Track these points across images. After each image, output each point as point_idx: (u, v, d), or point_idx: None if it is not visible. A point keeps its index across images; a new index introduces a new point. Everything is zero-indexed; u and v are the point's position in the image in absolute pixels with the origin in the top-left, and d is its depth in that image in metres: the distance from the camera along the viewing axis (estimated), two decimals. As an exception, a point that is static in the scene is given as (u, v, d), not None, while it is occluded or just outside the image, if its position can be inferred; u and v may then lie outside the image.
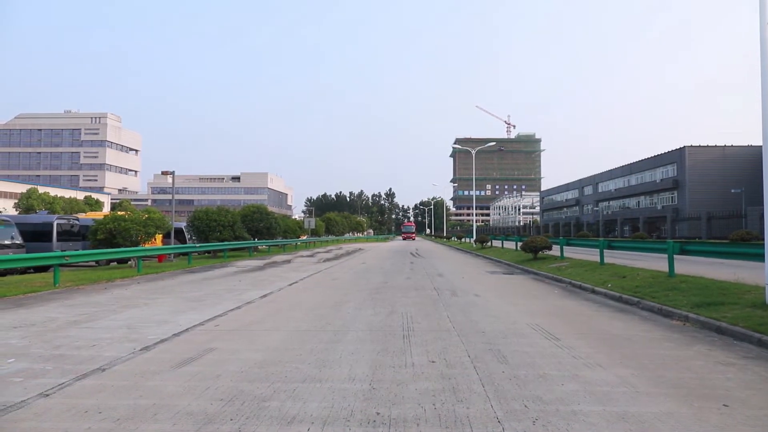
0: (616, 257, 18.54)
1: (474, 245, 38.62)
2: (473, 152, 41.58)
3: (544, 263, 18.59)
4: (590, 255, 20.93)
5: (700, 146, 58.09)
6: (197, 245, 22.57)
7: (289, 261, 23.84)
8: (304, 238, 55.47)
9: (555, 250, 20.75)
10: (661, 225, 59.05)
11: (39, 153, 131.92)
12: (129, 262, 20.74)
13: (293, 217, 58.88)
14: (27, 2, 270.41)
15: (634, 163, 70.19)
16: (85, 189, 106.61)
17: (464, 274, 16.88)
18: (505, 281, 14.40)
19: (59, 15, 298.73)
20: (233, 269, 19.01)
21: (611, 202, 76.45)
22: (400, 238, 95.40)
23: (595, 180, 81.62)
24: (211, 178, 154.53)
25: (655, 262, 15.72)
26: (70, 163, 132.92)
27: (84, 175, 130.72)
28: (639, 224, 61.65)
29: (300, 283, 13.73)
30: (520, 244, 23.90)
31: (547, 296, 11.02)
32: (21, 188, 78.66)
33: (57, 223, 21.23)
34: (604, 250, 15.91)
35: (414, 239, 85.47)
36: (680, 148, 58.55)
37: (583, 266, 15.96)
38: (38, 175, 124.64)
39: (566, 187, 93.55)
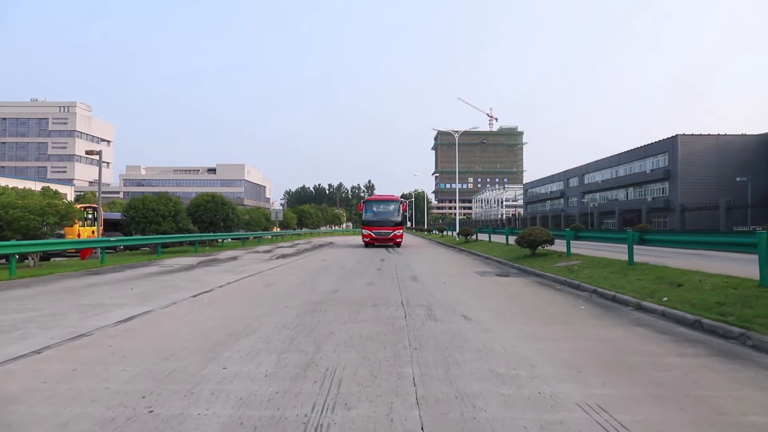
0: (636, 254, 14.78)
1: (457, 239, 34.81)
2: (456, 136, 37.72)
3: (546, 261, 14.77)
4: (601, 250, 17.16)
5: (693, 135, 55.10)
6: (113, 239, 18.31)
7: (235, 258, 19.73)
8: (277, 230, 51.26)
9: (556, 245, 16.98)
10: (655, 218, 56.06)
11: (4, 143, 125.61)
12: (26, 261, 16.44)
13: (261, 209, 54.44)
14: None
15: (622, 153, 67.16)
16: (53, 181, 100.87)
17: (447, 276, 12.97)
18: (502, 288, 10.51)
19: (34, 2, 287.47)
20: (154, 269, 14.88)
21: (598, 194, 73.47)
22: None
23: (580, 171, 78.65)
24: (186, 170, 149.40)
25: (703, 262, 12.00)
26: (37, 154, 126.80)
27: (52, 167, 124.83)
28: (636, 216, 58.81)
29: (214, 293, 9.68)
30: (512, 237, 20.08)
31: (572, 317, 7.14)
32: (-30, 178, 72.97)
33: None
34: (609, 244, 12.10)
35: (396, 241, 29.73)
36: (672, 136, 55.47)
37: (603, 266, 12.15)
38: (3, 166, 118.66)
39: (550, 179, 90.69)
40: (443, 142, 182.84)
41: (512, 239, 20.35)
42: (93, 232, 28.99)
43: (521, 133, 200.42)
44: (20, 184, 79.42)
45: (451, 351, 5.10)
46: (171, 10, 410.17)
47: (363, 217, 29.70)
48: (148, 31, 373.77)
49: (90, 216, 29.40)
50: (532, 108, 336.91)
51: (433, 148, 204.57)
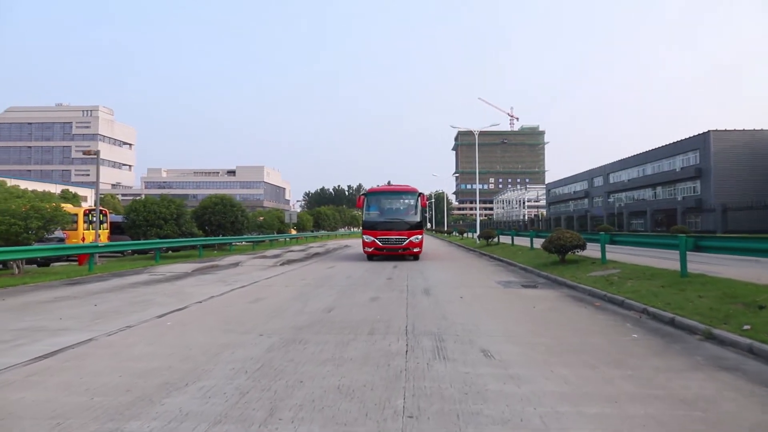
0: (655, 257, 12.92)
1: (477, 241, 32.98)
2: (476, 134, 35.88)
3: (578, 269, 12.99)
4: (639, 256, 15.30)
5: (726, 131, 52.19)
6: (100, 244, 17.02)
7: (237, 264, 18.29)
8: (293, 233, 49.98)
9: (589, 250, 15.17)
10: (687, 218, 53.41)
11: (30, 147, 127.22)
12: (12, 268, 15.21)
13: (275, 210, 53.20)
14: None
15: (650, 150, 64.32)
16: (76, 184, 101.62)
17: (465, 288, 11.29)
18: (530, 304, 8.79)
19: (54, 9, 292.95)
20: (142, 278, 13.50)
21: (624, 194, 70.66)
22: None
23: (605, 170, 75.89)
24: (206, 172, 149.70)
25: (766, 271, 10.14)
26: (61, 158, 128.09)
27: (76, 170, 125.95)
28: (661, 217, 56.28)
29: (187, 311, 8.16)
30: (538, 240, 18.28)
31: (626, 351, 5.42)
32: (-10, 181, 73.46)
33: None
34: (648, 249, 10.28)
35: (413, 252, 19.89)
36: (704, 132, 52.66)
37: (648, 276, 10.35)
38: (29, 170, 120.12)
39: (574, 179, 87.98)
40: (463, 143, 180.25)
41: (538, 243, 18.58)
42: (99, 235, 28.00)
43: (542, 133, 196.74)
44: (40, 186, 79.96)
45: (464, 425, 3.45)
46: (187, 13, 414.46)
47: (364, 217, 20.15)
48: (168, 35, 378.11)
49: (95, 219, 28.46)
50: (554, 107, 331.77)
51: (453, 149, 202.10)
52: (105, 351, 5.55)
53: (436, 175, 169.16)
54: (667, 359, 5.12)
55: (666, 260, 14.00)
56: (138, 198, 24.60)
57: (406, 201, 20.70)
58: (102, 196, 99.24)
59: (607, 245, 13.81)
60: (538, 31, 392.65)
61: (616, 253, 16.03)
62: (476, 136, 36.49)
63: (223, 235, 28.97)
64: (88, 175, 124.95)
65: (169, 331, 6.57)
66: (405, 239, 19.38)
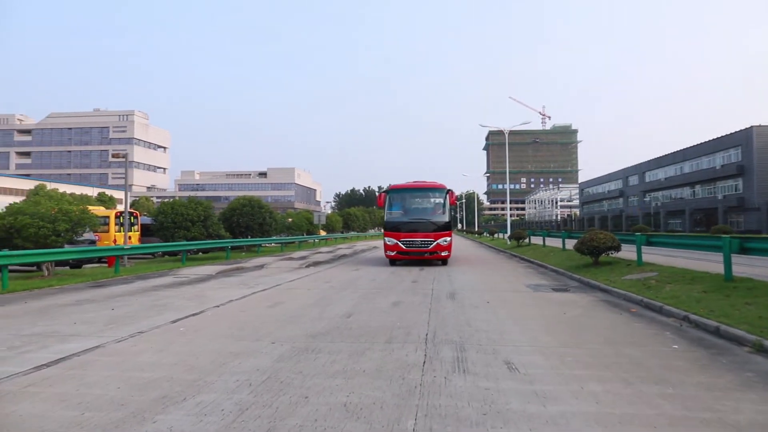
0: (694, 259, 12.13)
1: (508, 242, 32.25)
2: (506, 132, 35.14)
3: (613, 272, 12.36)
4: (676, 257, 14.52)
5: (770, 126, 49.91)
6: (126, 246, 17.09)
7: (262, 266, 18.17)
8: (323, 234, 50.01)
9: (623, 251, 14.47)
10: (729, 217, 51.37)
11: (69, 151, 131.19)
12: (43, 270, 15.40)
13: (304, 212, 53.33)
14: (61, 7, 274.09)
15: (688, 148, 62.07)
16: (113, 187, 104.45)
17: (492, 292, 10.82)
18: (561, 310, 8.28)
19: (93, 17, 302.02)
20: (165, 281, 13.46)
21: (660, 193, 68.42)
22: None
23: (641, 169, 73.64)
24: (238, 174, 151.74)
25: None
26: (99, 161, 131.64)
27: (113, 173, 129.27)
28: (699, 216, 54.30)
29: (202, 316, 7.95)
30: (570, 241, 17.62)
31: (666, 365, 4.91)
32: (31, 184, 75.96)
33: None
34: (687, 251, 9.60)
35: (441, 256, 17.74)
36: (747, 128, 50.48)
37: (688, 280, 9.70)
38: (69, 174, 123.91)
39: (608, 178, 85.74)
40: (494, 142, 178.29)
41: (570, 244, 17.91)
42: (130, 237, 28.42)
43: (575, 131, 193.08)
44: (78, 190, 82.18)
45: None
46: (216, 17, 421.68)
47: (386, 217, 18.15)
48: (203, 41, 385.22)
49: (125, 221, 28.90)
50: (587, 105, 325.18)
51: (484, 149, 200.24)
52: (110, 359, 5.34)
53: (466, 175, 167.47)
54: (714, 375, 4.61)
55: (707, 263, 13.23)
56: (166, 200, 24.78)
57: (433, 199, 18.61)
58: (137, 198, 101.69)
59: (643, 246, 13.11)
60: (571, 29, 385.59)
61: (653, 255, 15.27)
62: (506, 135, 35.75)
63: (251, 237, 29.04)
64: (124, 177, 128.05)
65: (180, 338, 6.34)
66: (432, 242, 17.22)
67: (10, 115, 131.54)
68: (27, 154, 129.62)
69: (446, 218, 17.74)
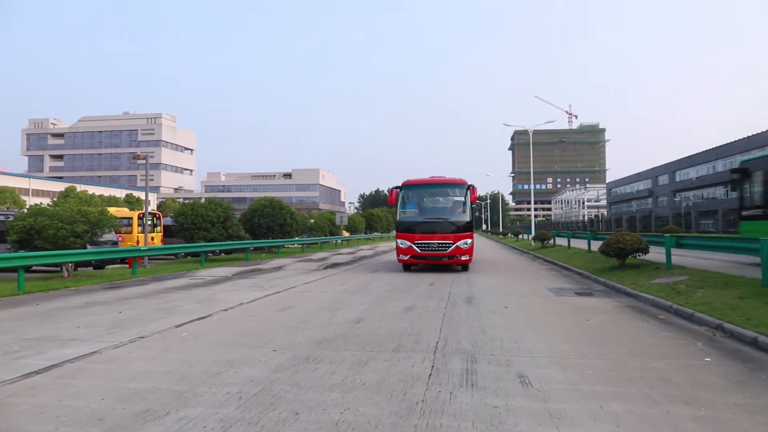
0: (728, 262, 11.38)
1: (532, 243, 31.56)
2: (530, 132, 34.44)
3: (640, 275, 11.77)
4: (708, 260, 13.79)
5: (809, 122, 47.86)
6: (142, 248, 17.08)
7: (280, 268, 17.99)
8: (346, 235, 49.88)
9: (651, 253, 13.83)
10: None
11: (100, 154, 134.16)
12: (63, 271, 15.48)
13: (327, 213, 53.27)
14: (87, 11, 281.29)
15: (721, 146, 60.03)
16: (142, 188, 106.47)
17: (512, 296, 10.37)
18: (583, 316, 7.81)
19: (122, 22, 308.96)
20: (181, 282, 13.36)
21: (692, 193, 66.37)
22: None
23: (671, 168, 71.58)
24: (263, 175, 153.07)
25: None
26: (128, 164, 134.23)
27: (141, 175, 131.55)
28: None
29: (207, 321, 7.71)
30: (596, 243, 16.99)
31: (698, 382, 4.44)
32: (62, 186, 77.89)
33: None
34: (721, 254, 8.98)
35: (461, 261, 15.60)
36: (784, 125, 48.55)
37: (722, 285, 9.10)
38: (99, 176, 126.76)
39: (637, 177, 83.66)
40: (520, 142, 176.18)
41: (596, 245, 17.29)
42: (152, 238, 28.66)
43: (603, 131, 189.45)
44: (107, 191, 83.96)
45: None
46: (240, 18, 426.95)
47: (399, 216, 16.18)
48: (223, 46, 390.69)
49: (149, 222, 29.16)
50: (616, 103, 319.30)
51: (509, 149, 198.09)
52: (102, 367, 5.11)
53: (490, 175, 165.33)
54: (752, 394, 4.14)
55: (742, 266, 12.53)
56: (187, 202, 24.89)
57: (452, 196, 16.66)
58: (163, 199, 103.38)
59: (672, 249, 12.48)
60: (598, 27, 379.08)
61: (683, 257, 14.56)
62: (530, 135, 35.06)
63: (272, 238, 28.98)
64: (152, 179, 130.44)
65: (180, 344, 6.10)
66: (450, 245, 15.20)
67: (44, 119, 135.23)
68: (60, 157, 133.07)
69: (467, 218, 15.63)
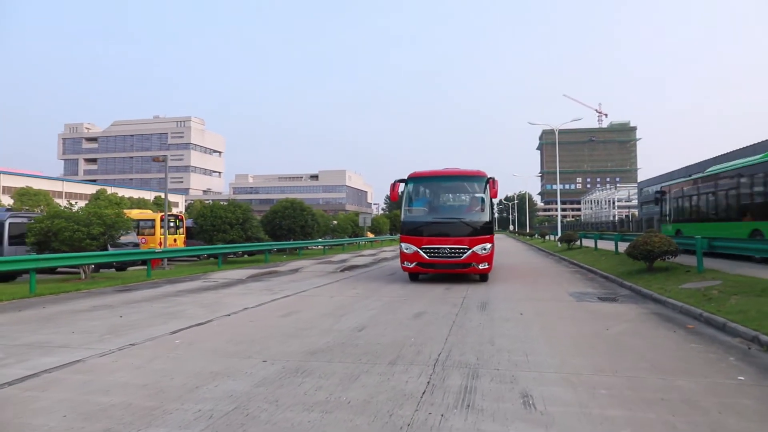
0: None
1: (558, 245, 30.69)
2: (556, 130, 33.55)
3: (669, 279, 11.08)
4: (744, 266, 12.94)
5: None
6: (157, 250, 17.01)
7: (297, 270, 17.73)
8: (371, 236, 49.63)
9: (682, 256, 13.10)
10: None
11: (131, 157, 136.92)
12: (80, 273, 15.53)
13: (351, 214, 53.07)
14: (120, 16, 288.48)
15: (759, 143, 57.45)
16: (170, 191, 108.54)
17: (529, 301, 9.84)
18: (603, 325, 7.24)
19: (149, 27, 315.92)
20: (193, 285, 13.18)
21: (729, 192, 63.85)
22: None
23: (706, 166, 69.02)
24: (290, 177, 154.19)
25: None
26: (158, 166, 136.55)
27: (171, 178, 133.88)
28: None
29: (206, 326, 7.42)
30: (624, 245, 16.23)
31: (728, 405, 3.90)
32: (94, 189, 79.73)
33: (10, 223, 16.52)
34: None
35: (479, 270, 12.92)
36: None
37: (759, 292, 8.39)
38: (131, 179, 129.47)
39: (669, 177, 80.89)
40: (548, 141, 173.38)
41: (624, 247, 16.53)
42: (175, 240, 28.84)
43: (634, 129, 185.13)
44: (136, 194, 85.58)
45: None
46: (259, 19, 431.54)
47: (402, 216, 13.80)
48: (249, 50, 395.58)
49: (172, 224, 29.34)
50: (647, 101, 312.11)
51: (537, 148, 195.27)
52: (79, 378, 4.82)
53: (516, 175, 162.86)
54: (791, 421, 3.59)
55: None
56: (207, 203, 24.94)
57: (468, 191, 14.26)
58: (191, 201, 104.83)
59: (705, 251, 11.73)
60: (627, 25, 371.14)
61: (716, 260, 13.74)
62: (556, 134, 34.17)
63: (293, 239, 28.84)
64: (182, 182, 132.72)
65: (169, 353, 5.80)
66: (465, 250, 12.61)
67: (79, 124, 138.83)
68: (93, 160, 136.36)
69: (486, 217, 13.00)
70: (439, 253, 12.78)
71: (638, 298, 9.98)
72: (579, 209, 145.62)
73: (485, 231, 12.93)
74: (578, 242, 26.77)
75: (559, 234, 32.77)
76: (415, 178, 13.93)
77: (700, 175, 19.83)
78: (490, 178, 13.34)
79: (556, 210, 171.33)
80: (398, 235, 15.42)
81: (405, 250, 13.19)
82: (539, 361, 5.23)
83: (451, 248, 12.71)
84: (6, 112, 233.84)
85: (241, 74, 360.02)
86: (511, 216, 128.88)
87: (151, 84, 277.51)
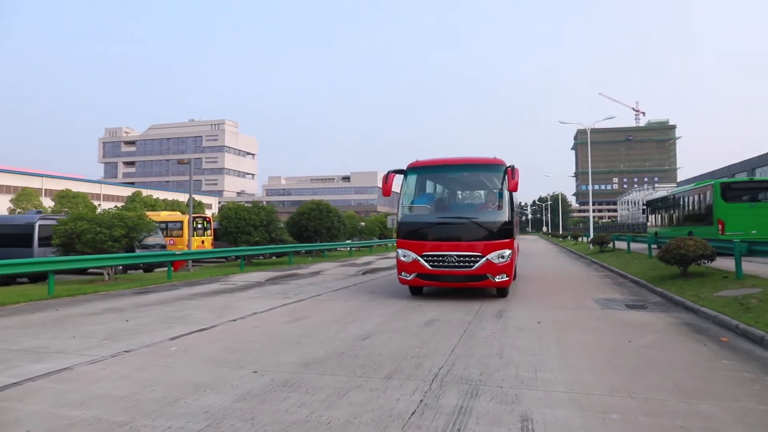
0: None
1: (590, 247, 29.72)
2: (588, 129, 32.55)
3: (704, 285, 10.38)
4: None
5: None
6: (177, 252, 17.06)
7: (318, 273, 17.52)
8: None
9: (719, 260, 12.32)
10: None
11: (168, 160, 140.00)
12: (104, 274, 15.69)
13: (381, 215, 52.82)
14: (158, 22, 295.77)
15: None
16: (206, 193, 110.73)
17: (551, 306, 9.33)
18: (626, 336, 6.71)
19: (187, 31, 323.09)
20: (210, 288, 13.10)
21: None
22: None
23: (750, 165, 66.09)
24: (322, 179, 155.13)
25: None
26: (193, 169, 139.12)
27: (206, 180, 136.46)
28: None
29: (209, 332, 7.20)
30: (655, 249, 15.45)
31: (759, 435, 3.45)
32: (130, 192, 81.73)
33: (40, 225, 16.84)
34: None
35: (495, 284, 10.13)
36: None
37: (801, 301, 7.72)
38: (167, 181, 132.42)
39: (711, 176, 78.04)
40: (583, 141, 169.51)
41: (656, 253, 15.75)
42: (203, 242, 29.10)
43: (673, 127, 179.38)
44: (170, 196, 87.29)
45: None
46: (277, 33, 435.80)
47: (399, 215, 11.29)
48: (281, 53, 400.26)
49: (200, 226, 29.63)
50: (686, 98, 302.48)
51: (572, 148, 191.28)
52: (60, 388, 4.63)
53: (549, 176, 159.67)
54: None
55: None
56: (230, 205, 25.03)
57: (482, 185, 12.20)
58: (224, 203, 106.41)
59: (744, 256, 10.97)
60: (663, 23, 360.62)
61: (758, 265, 12.88)
62: (588, 132, 33.18)
63: (319, 241, 28.75)
64: (216, 184, 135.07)
65: (161, 360, 5.59)
66: (477, 258, 9.95)
67: (118, 128, 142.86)
68: (132, 163, 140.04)
69: (503, 216, 10.31)
70: (445, 261, 10.18)
71: (669, 306, 9.35)
72: (615, 210, 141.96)
73: (503, 234, 10.21)
74: (611, 244, 25.83)
75: (591, 235, 31.75)
76: (415, 169, 11.45)
77: (664, 195, 28.95)
78: (509, 166, 10.55)
79: (595, 211, 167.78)
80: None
81: (402, 258, 10.59)
82: (548, 378, 4.79)
83: (459, 256, 10.11)
84: (49, 118, 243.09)
85: (275, 76, 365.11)
86: (544, 217, 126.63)
87: (186, 88, 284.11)
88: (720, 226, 18.43)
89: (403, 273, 10.62)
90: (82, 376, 5.01)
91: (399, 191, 11.48)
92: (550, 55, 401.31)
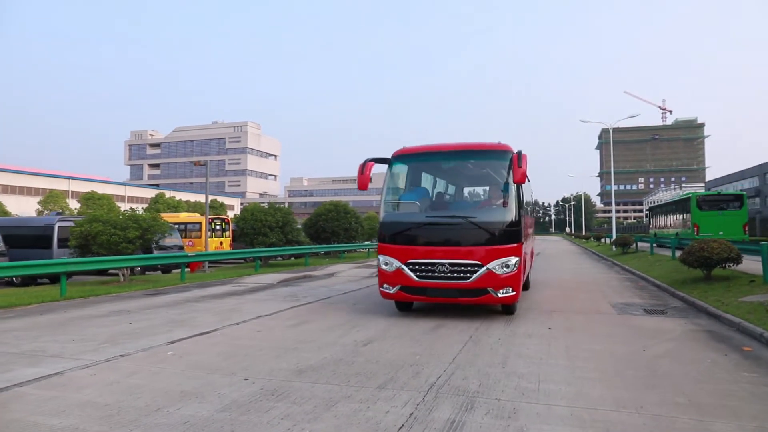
0: None
1: (613, 249, 29.02)
2: (610, 128, 31.82)
3: (729, 290, 9.92)
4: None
5: None
6: (191, 254, 17.06)
7: (332, 274, 17.38)
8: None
9: (746, 263, 11.81)
10: None
11: (192, 162, 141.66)
12: (119, 275, 15.80)
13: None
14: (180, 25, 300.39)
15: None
16: (229, 194, 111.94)
17: (566, 311, 8.99)
18: (641, 344, 6.37)
19: (205, 38, 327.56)
20: (222, 290, 13.04)
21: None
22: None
23: (780, 164, 64.25)
24: (344, 180, 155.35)
25: None
26: (216, 170, 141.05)
27: (229, 181, 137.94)
28: None
29: (209, 336, 7.08)
30: (678, 252, 14.92)
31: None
32: (153, 193, 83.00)
33: (59, 227, 17.05)
34: None
35: (499, 297, 7.84)
36: None
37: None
38: (191, 182, 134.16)
39: (741, 175, 75.90)
40: (607, 141, 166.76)
41: (679, 255, 15.21)
42: (221, 243, 29.25)
43: (702, 125, 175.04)
44: (193, 197, 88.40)
45: None
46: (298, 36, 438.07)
47: (382, 214, 9.16)
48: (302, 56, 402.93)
49: (219, 227, 29.79)
50: (715, 95, 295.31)
51: (597, 148, 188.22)
52: (45, 394, 4.52)
53: (571, 176, 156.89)
54: None
55: None
56: (248, 206, 25.11)
57: (482, 176, 9.97)
58: (246, 204, 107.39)
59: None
60: (693, 19, 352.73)
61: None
62: (611, 132, 32.42)
63: (337, 242, 28.64)
64: (239, 185, 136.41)
65: (153, 366, 5.46)
66: (475, 268, 7.99)
67: (143, 131, 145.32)
68: (157, 165, 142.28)
69: (509, 215, 8.28)
70: (435, 272, 8.14)
71: (690, 311, 8.93)
72: (641, 210, 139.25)
73: (508, 237, 8.14)
74: (633, 246, 25.15)
75: (614, 236, 31.02)
76: (401, 157, 9.49)
77: (661, 203, 31.84)
78: (517, 152, 8.21)
79: (618, 212, 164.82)
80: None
81: (384, 267, 8.61)
82: (551, 390, 4.51)
83: (452, 264, 8.06)
84: (77, 122, 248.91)
85: (296, 78, 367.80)
86: (567, 218, 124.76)
87: (209, 90, 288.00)
88: (695, 229, 23.74)
89: (384, 285, 8.66)
90: (71, 382, 4.91)
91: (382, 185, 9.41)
92: (575, 54, 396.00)
